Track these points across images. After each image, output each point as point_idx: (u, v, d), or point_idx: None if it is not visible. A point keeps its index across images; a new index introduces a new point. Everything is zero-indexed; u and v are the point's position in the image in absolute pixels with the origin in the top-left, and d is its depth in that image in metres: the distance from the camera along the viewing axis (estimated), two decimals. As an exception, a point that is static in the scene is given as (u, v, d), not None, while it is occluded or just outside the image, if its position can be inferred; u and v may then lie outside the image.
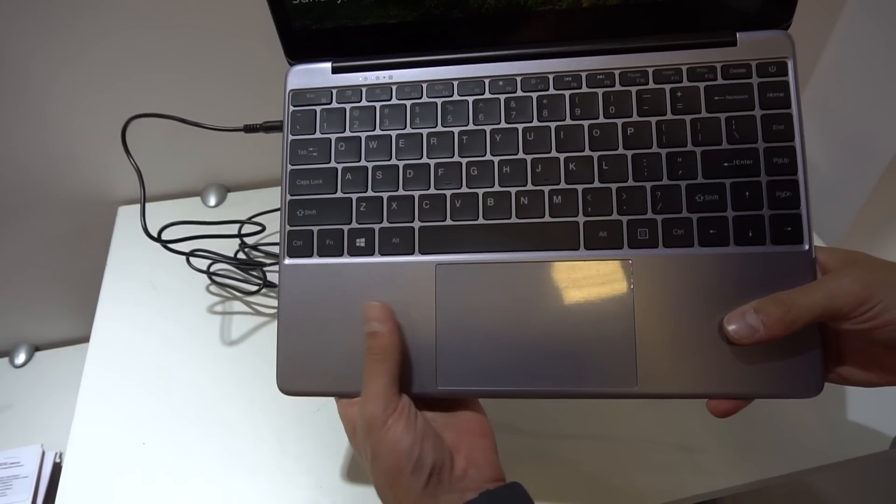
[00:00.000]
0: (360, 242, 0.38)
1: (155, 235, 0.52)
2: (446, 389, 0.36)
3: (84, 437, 0.50)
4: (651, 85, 0.37)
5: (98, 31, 0.54)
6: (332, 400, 0.36)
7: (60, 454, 0.64)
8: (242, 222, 0.61)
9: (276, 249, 0.60)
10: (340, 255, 0.38)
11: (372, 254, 0.38)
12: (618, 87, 0.37)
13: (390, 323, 0.35)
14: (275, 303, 0.59)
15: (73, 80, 0.57)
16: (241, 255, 0.60)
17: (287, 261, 0.38)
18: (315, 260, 0.38)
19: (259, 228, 0.61)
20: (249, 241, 0.61)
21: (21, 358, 0.76)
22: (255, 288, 0.58)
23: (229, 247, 0.60)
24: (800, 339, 0.33)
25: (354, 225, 0.38)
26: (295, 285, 0.38)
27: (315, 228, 0.39)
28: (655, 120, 0.37)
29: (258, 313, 0.59)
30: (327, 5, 0.38)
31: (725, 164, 0.36)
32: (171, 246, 0.53)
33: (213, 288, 0.60)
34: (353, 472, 0.43)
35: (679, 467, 0.46)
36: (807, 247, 0.34)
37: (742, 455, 0.46)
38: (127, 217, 0.67)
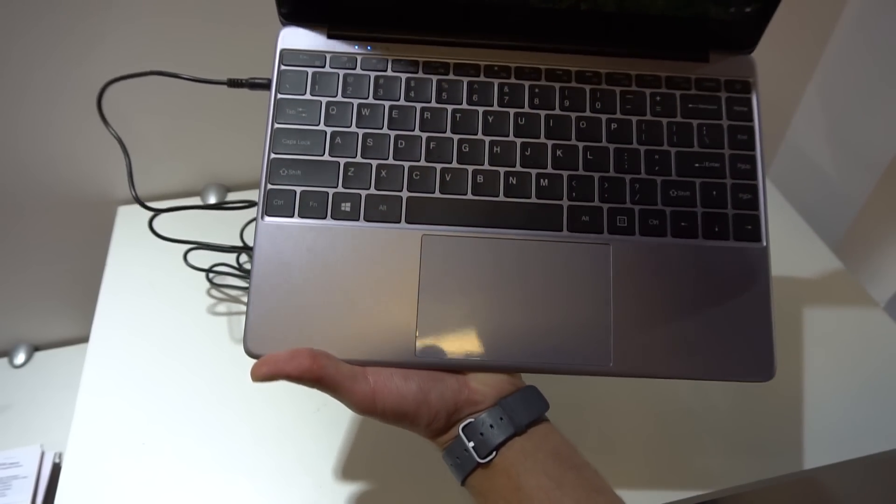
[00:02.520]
0: (346, 207, 0.37)
1: (151, 226, 0.51)
2: (425, 360, 0.35)
3: (84, 437, 0.49)
4: (634, 87, 0.40)
5: (98, 32, 0.54)
6: (332, 400, 0.34)
7: (60, 455, 0.64)
8: (238, 207, 0.58)
9: None
10: (324, 217, 0.37)
11: (357, 219, 0.37)
12: (604, 86, 0.40)
13: (288, 363, 0.32)
14: None
15: (74, 79, 0.56)
16: (241, 250, 0.59)
17: (266, 219, 0.37)
18: (296, 220, 0.37)
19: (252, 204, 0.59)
20: (250, 240, 0.60)
21: (21, 358, 0.75)
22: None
23: (231, 242, 0.59)
24: (754, 327, 0.36)
25: (341, 189, 0.37)
26: (272, 244, 0.36)
27: (298, 189, 0.37)
28: (636, 119, 0.39)
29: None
30: (334, -32, 0.38)
31: (696, 165, 0.39)
32: (169, 237, 0.52)
33: (214, 289, 0.59)
34: (353, 472, 0.42)
35: (679, 467, 0.47)
36: (764, 244, 0.38)
37: (742, 455, 0.48)
38: (127, 217, 0.65)
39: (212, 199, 0.66)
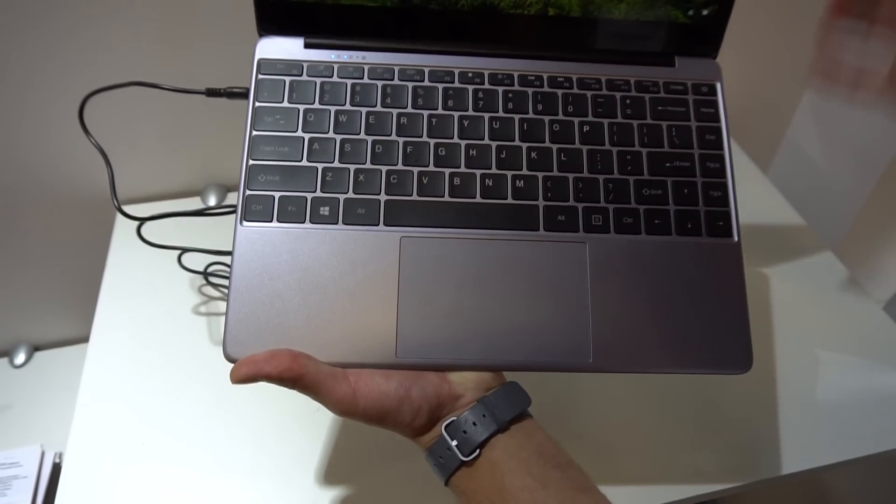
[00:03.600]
0: (324, 211, 0.37)
1: (140, 231, 0.51)
2: (406, 360, 0.35)
3: (84, 437, 0.49)
4: (604, 91, 0.41)
5: (99, 36, 0.54)
6: None
7: (60, 454, 0.64)
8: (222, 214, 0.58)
9: None
10: (302, 221, 0.37)
11: (336, 223, 0.37)
12: (576, 90, 0.41)
13: (266, 364, 0.33)
14: None
15: (74, 80, 0.56)
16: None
17: (244, 224, 0.37)
18: (275, 225, 0.37)
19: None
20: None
21: (21, 358, 0.75)
22: None
23: (226, 243, 0.58)
24: (730, 320, 0.37)
25: (319, 193, 0.38)
26: (251, 249, 0.36)
27: (277, 194, 0.38)
28: (608, 121, 0.40)
29: None
30: (310, -21, 0.39)
31: (667, 165, 0.40)
32: (156, 243, 0.52)
33: (212, 290, 0.59)
34: (353, 472, 0.42)
35: (678, 467, 0.47)
36: (735, 239, 0.39)
37: (742, 455, 0.48)
38: (127, 217, 0.63)
39: (212, 200, 0.66)
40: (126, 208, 0.61)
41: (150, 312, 0.57)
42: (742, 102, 0.71)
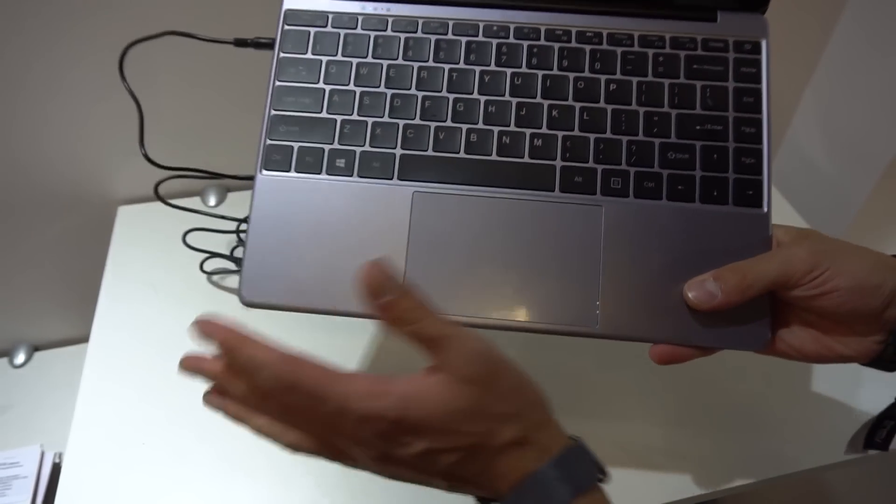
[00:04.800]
0: (340, 163, 0.38)
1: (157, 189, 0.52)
2: (410, 314, 0.36)
3: (84, 437, 0.49)
4: (636, 48, 0.39)
5: (98, 33, 0.54)
6: None
7: (60, 454, 0.64)
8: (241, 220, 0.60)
9: None
10: (318, 172, 0.38)
11: (350, 175, 0.38)
12: (605, 46, 0.39)
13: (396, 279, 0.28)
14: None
15: (74, 80, 0.57)
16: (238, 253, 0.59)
17: (263, 173, 0.38)
18: (292, 175, 0.38)
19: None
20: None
21: (21, 358, 0.75)
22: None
23: (226, 243, 0.60)
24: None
25: (336, 145, 0.38)
26: (269, 198, 0.38)
27: (295, 145, 0.38)
28: (636, 80, 0.38)
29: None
30: (336, -73, 0.39)
31: (697, 128, 0.38)
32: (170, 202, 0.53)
33: (212, 288, 0.59)
34: (353, 472, 0.43)
35: (679, 467, 0.46)
36: (765, 209, 0.37)
37: (741, 455, 0.47)
38: (127, 217, 0.66)
39: (212, 200, 0.66)
40: (126, 208, 0.63)
41: (150, 312, 0.57)
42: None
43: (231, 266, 0.59)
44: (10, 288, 0.71)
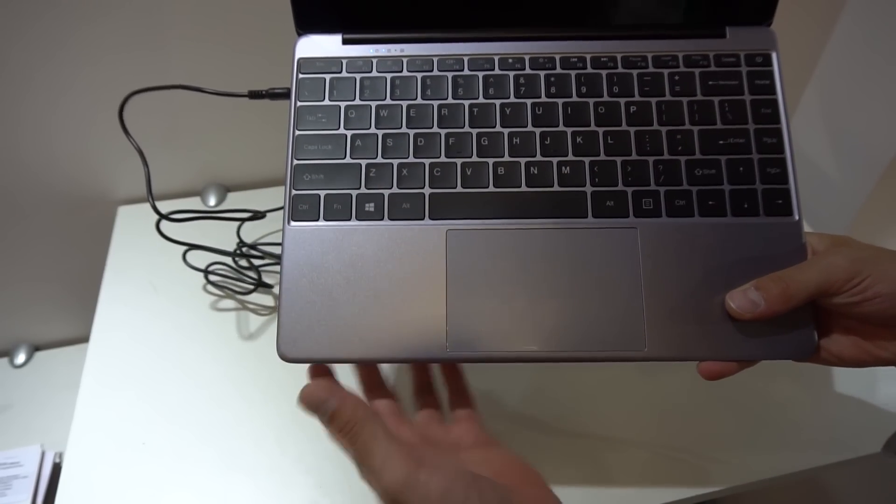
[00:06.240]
0: (370, 207, 0.38)
1: (158, 227, 0.53)
2: (457, 353, 0.35)
3: (84, 437, 0.49)
4: (651, 69, 0.39)
5: (101, 35, 0.55)
6: None
7: (60, 454, 0.64)
8: (243, 220, 0.60)
9: (274, 250, 0.60)
10: (348, 218, 0.37)
11: (381, 218, 0.37)
12: (620, 70, 0.40)
13: (336, 394, 0.32)
14: (273, 302, 0.58)
15: (75, 80, 0.57)
16: (238, 255, 0.60)
17: (291, 224, 0.37)
18: (321, 223, 0.37)
19: (257, 216, 0.61)
20: (248, 240, 0.61)
21: (21, 358, 0.75)
22: (251, 287, 0.58)
23: (228, 242, 0.60)
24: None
25: (363, 190, 0.38)
26: (300, 248, 0.37)
27: (322, 192, 0.38)
28: (655, 100, 0.39)
29: (257, 314, 0.58)
30: (345, -26, 0.39)
31: (720, 142, 0.38)
32: (170, 237, 0.54)
33: (213, 288, 0.60)
34: (353, 472, 0.42)
35: (679, 467, 0.46)
36: (796, 217, 0.37)
37: (742, 455, 0.47)
38: (127, 217, 0.66)
39: (211, 200, 0.67)
40: (126, 208, 0.63)
41: (150, 311, 0.57)
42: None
43: (229, 261, 0.59)
44: (11, 288, 0.71)
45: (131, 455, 0.48)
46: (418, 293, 0.36)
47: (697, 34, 0.40)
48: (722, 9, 0.40)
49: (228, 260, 0.60)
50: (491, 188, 0.38)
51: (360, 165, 0.38)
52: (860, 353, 0.36)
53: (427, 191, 0.38)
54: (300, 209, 0.38)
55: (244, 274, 0.58)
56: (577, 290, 0.36)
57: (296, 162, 0.38)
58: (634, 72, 0.39)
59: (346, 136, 0.39)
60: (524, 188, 0.38)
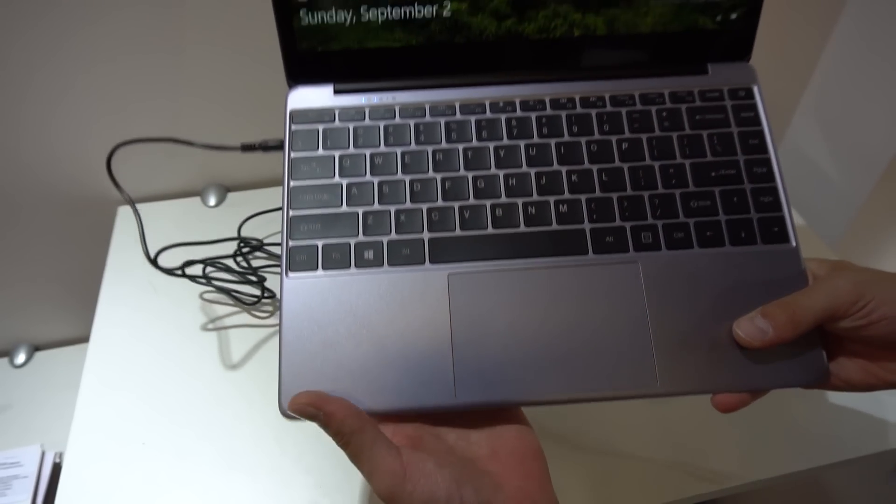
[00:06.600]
0: (369, 255, 0.37)
1: (153, 260, 0.53)
2: (466, 401, 0.34)
3: (84, 437, 0.50)
4: (639, 106, 0.40)
5: (100, 35, 0.55)
6: None
7: (60, 454, 0.64)
8: (240, 240, 0.60)
9: (278, 250, 0.60)
10: (348, 267, 0.37)
11: (381, 265, 0.37)
12: (609, 108, 0.40)
13: (331, 402, 0.32)
14: (272, 306, 0.58)
15: (75, 80, 0.57)
16: (239, 259, 0.60)
17: (290, 276, 0.37)
18: (320, 273, 0.37)
19: (256, 244, 0.61)
20: (248, 239, 0.60)
21: (21, 358, 0.76)
22: (254, 300, 0.57)
23: (229, 245, 0.60)
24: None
25: (361, 238, 0.37)
26: (299, 300, 0.36)
27: (320, 242, 0.37)
28: (646, 136, 0.40)
29: (257, 314, 0.59)
30: (335, 27, 0.39)
31: (713, 174, 0.39)
32: (166, 268, 0.54)
33: (213, 288, 0.59)
34: (353, 472, 0.42)
35: (679, 467, 0.46)
36: (794, 244, 0.37)
37: (741, 455, 0.47)
38: (127, 217, 0.66)
39: (211, 200, 0.67)
40: (126, 208, 0.63)
41: (150, 312, 0.58)
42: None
43: (231, 265, 0.59)
44: (11, 288, 0.71)
45: (131, 455, 0.48)
46: (423, 340, 0.35)
47: (681, 71, 0.41)
48: (703, 47, 0.41)
49: (228, 261, 0.60)
50: (490, 230, 0.38)
51: (357, 213, 0.38)
52: (868, 376, 0.35)
53: (426, 235, 0.37)
54: (298, 260, 0.37)
55: (250, 283, 0.58)
56: (584, 329, 0.36)
57: (292, 213, 0.38)
58: (623, 109, 0.40)
59: (341, 184, 0.39)
60: (523, 228, 0.38)
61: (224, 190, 0.69)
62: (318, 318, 0.36)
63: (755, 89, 0.41)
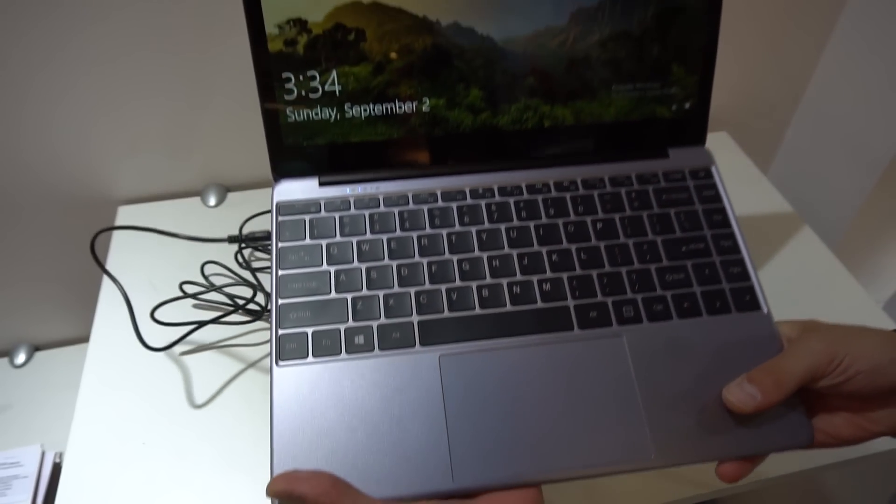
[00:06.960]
0: (359, 340, 0.37)
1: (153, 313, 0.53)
2: (464, 485, 0.34)
3: (84, 437, 0.50)
4: (609, 188, 0.43)
5: (100, 36, 0.56)
6: None
7: (60, 454, 0.65)
8: (236, 306, 0.58)
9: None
10: (338, 353, 0.37)
11: (372, 350, 0.37)
12: (582, 192, 0.43)
13: (302, 482, 0.32)
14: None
15: (76, 80, 0.58)
16: (240, 259, 0.58)
17: (280, 364, 0.37)
18: (311, 361, 0.37)
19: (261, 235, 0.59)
20: (248, 251, 0.60)
21: (21, 358, 0.76)
22: (252, 317, 0.57)
23: (229, 248, 0.59)
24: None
25: (351, 323, 0.38)
26: (290, 390, 0.36)
27: (309, 330, 0.38)
28: (618, 216, 0.42)
29: (257, 315, 0.58)
30: (321, 123, 0.41)
31: (683, 249, 0.41)
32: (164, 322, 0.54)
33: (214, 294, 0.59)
34: None
35: (678, 467, 0.45)
36: (765, 311, 0.39)
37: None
38: (127, 217, 0.66)
39: (211, 200, 0.66)
40: (126, 208, 0.62)
41: (150, 312, 0.56)
42: (742, 102, 0.73)
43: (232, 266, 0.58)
44: (11, 288, 0.72)
45: (131, 455, 0.48)
46: (418, 424, 0.35)
47: (645, 156, 0.44)
48: (662, 133, 0.45)
49: (228, 262, 0.58)
50: (477, 310, 0.39)
51: (347, 299, 0.38)
52: (856, 429, 0.37)
53: (415, 318, 0.38)
54: (288, 349, 0.37)
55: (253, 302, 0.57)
56: (576, 405, 0.36)
57: (280, 302, 0.38)
58: (595, 192, 0.43)
59: (329, 271, 0.39)
60: (509, 307, 0.39)
61: (224, 190, 0.69)
62: (310, 406, 0.35)
63: (713, 169, 0.44)
